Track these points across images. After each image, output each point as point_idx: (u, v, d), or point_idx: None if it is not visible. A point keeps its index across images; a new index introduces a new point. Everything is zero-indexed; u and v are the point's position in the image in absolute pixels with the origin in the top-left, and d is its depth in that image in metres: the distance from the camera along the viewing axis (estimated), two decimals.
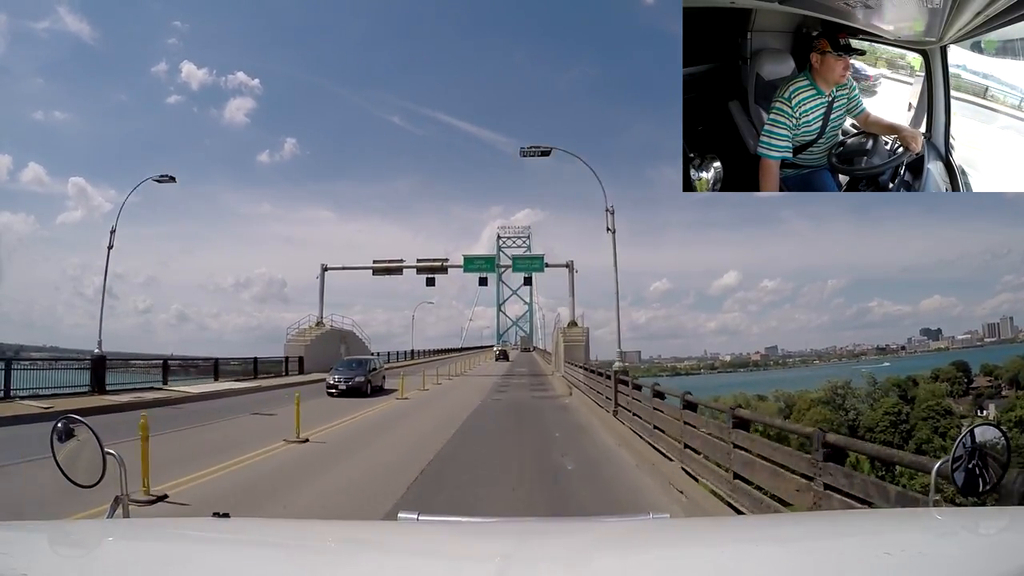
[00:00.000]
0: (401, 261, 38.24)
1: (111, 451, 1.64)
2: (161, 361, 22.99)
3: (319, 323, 37.00)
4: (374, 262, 38.31)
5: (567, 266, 37.37)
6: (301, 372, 31.74)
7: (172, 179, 22.52)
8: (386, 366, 42.84)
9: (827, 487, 4.00)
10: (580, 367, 22.59)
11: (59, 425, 1.69)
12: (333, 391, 20.14)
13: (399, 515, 1.60)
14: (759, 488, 5.29)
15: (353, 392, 20.03)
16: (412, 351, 59.79)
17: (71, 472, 1.64)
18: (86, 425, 1.67)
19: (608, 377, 14.55)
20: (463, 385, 27.97)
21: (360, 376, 20.88)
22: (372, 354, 44.78)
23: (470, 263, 38.50)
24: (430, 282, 38.51)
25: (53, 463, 1.65)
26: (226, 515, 1.62)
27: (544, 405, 18.76)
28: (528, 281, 43.34)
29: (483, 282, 40.54)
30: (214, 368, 25.78)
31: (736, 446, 5.73)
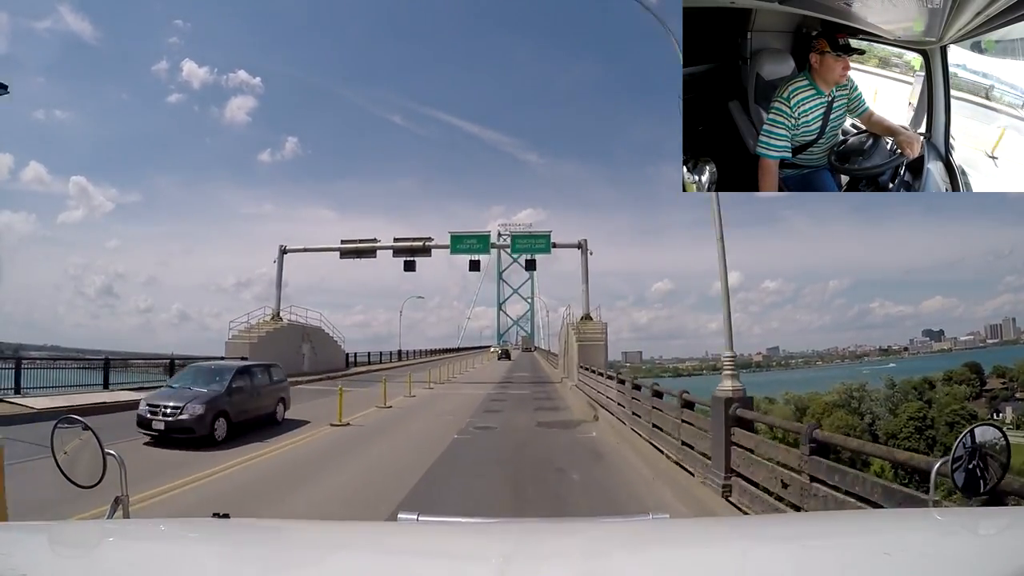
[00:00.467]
0: (374, 241, 31.39)
1: (111, 452, 1.65)
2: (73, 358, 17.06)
3: (275, 316, 30.61)
4: (342, 242, 31.66)
5: (579, 246, 30.27)
6: None
7: (4, 88, 16.94)
8: (363, 369, 36.18)
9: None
10: (610, 377, 14.49)
11: (59, 426, 1.69)
12: (150, 432, 10.43)
13: (399, 515, 1.61)
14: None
15: (181, 437, 10.20)
16: (400, 352, 53.57)
17: (71, 473, 1.65)
18: (87, 426, 1.67)
19: (687, 405, 7.92)
20: (443, 399, 20.12)
21: (197, 406, 10.46)
22: (346, 355, 37.20)
23: (459, 242, 30.49)
24: (409, 266, 31.07)
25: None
26: (226, 515, 1.63)
27: (560, 444, 11.08)
28: (531, 266, 33.73)
29: (475, 266, 32.06)
30: (104, 370, 18.01)
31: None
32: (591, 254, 30.24)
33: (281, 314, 31.32)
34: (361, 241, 31.62)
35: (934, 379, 56.25)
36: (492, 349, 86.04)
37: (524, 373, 36.82)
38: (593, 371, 17.86)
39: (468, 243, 30.88)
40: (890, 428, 44.05)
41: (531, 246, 31.38)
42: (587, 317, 28.45)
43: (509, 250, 32.32)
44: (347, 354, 38.07)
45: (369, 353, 44.82)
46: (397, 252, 31.24)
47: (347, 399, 14.41)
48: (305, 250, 32.91)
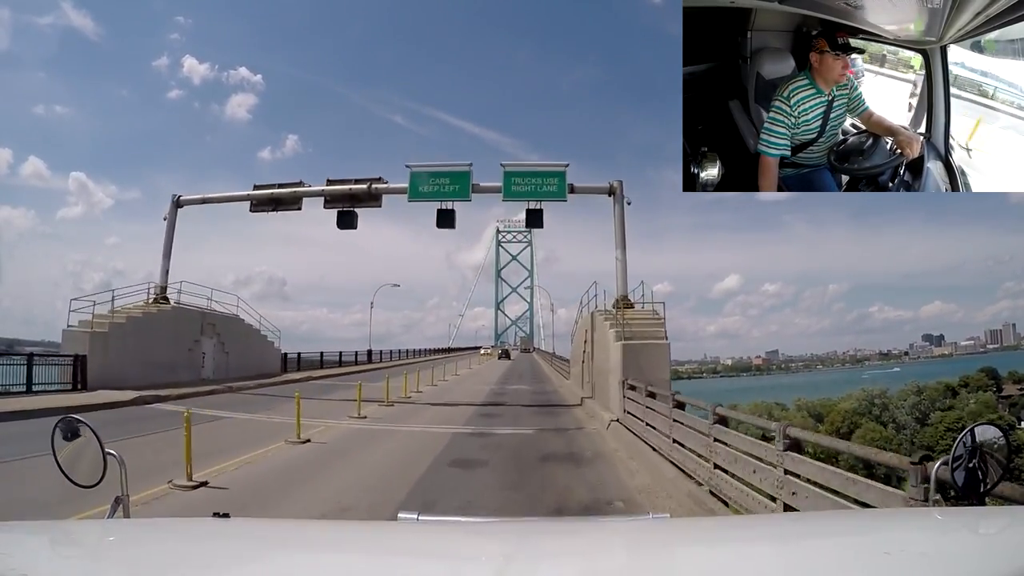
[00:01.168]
0: (299, 184, 20.91)
1: (112, 451, 1.64)
2: None
3: (159, 297, 20.76)
4: (255, 187, 21.39)
5: (610, 192, 19.04)
6: (78, 386, 16.43)
7: None
8: (300, 376, 24.49)
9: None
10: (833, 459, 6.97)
11: (60, 425, 1.69)
12: None
13: (399, 515, 1.60)
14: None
15: None
16: (369, 352, 44.22)
17: (72, 472, 1.64)
18: (87, 425, 1.67)
19: None
20: (357, 454, 9.65)
21: None
22: (284, 355, 27.91)
23: (422, 182, 19.20)
24: (345, 221, 20.10)
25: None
26: (226, 515, 1.62)
27: None
28: (534, 220, 20.03)
29: (446, 221, 19.43)
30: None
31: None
32: (629, 204, 19.08)
33: (170, 294, 21.22)
34: (280, 186, 21.08)
35: (952, 385, 51.77)
36: (483, 351, 74.51)
37: (523, 386, 25.65)
38: (672, 399, 8.13)
39: (437, 184, 19.15)
40: (924, 439, 39.13)
41: (536, 189, 19.07)
42: (624, 301, 17.25)
43: (501, 194, 19.47)
44: (285, 354, 28.93)
45: (322, 353, 34.28)
46: (331, 201, 20.44)
47: (160, 449, 8.75)
48: (204, 201, 22.24)
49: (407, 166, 19.57)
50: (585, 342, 18.42)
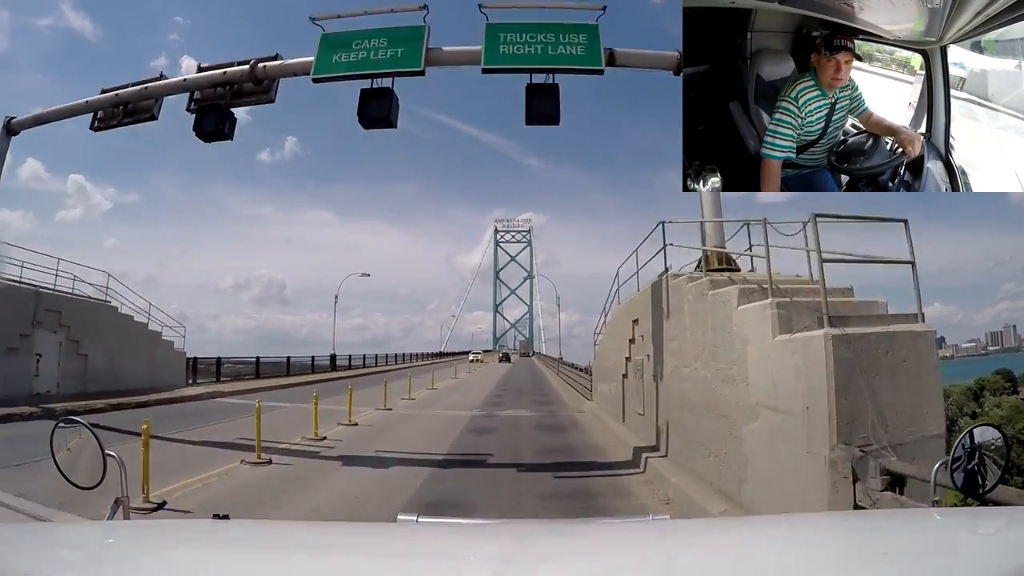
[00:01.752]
0: (159, 78, 11.92)
1: (111, 453, 1.64)
2: None
3: None
4: (102, 91, 12.38)
5: (677, 70, 7.26)
6: None
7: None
8: (202, 391, 17.14)
9: None
10: None
11: (59, 426, 1.69)
12: None
13: (399, 516, 1.60)
14: None
15: None
16: (333, 357, 35.58)
17: (71, 474, 1.64)
18: (86, 426, 1.67)
19: None
20: None
21: None
22: (191, 360, 20.49)
23: (337, 48, 9.31)
24: (207, 126, 10.66)
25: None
26: (226, 517, 1.63)
27: None
28: (542, 104, 8.54)
29: (376, 108, 9.08)
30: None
31: None
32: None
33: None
34: (142, 83, 12.28)
35: (972, 388, 50.10)
36: (471, 358, 65.86)
37: (522, 411, 15.91)
38: None
39: (365, 48, 9.40)
40: None
41: (545, 51, 8.66)
42: (720, 261, 6.86)
43: (481, 58, 9.02)
44: (193, 359, 21.33)
45: (258, 359, 25.98)
46: (201, 101, 11.74)
47: None
48: (38, 121, 13.48)
49: (311, 19, 10.05)
50: (631, 342, 10.38)
